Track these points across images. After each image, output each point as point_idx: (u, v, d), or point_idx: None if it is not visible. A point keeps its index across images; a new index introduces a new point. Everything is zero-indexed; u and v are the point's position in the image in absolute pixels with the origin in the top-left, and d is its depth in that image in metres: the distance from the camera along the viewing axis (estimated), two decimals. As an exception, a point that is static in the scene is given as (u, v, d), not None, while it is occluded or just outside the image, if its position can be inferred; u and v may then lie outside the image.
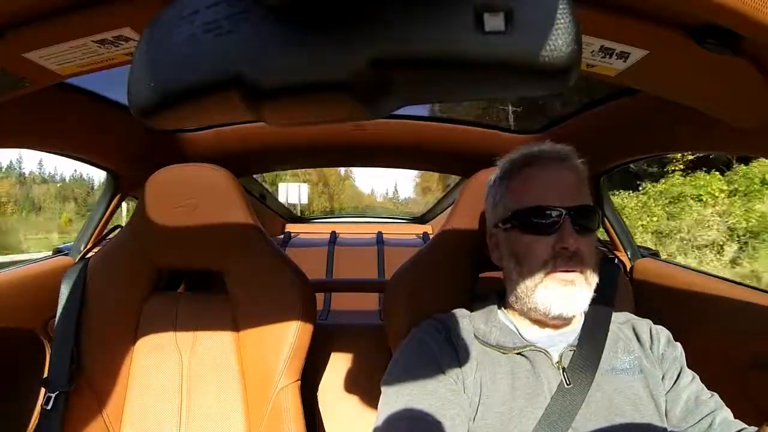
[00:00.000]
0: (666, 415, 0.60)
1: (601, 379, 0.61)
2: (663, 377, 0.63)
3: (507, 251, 0.65)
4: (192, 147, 1.27)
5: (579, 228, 0.60)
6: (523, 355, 0.62)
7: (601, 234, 1.21)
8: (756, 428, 0.56)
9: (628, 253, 1.17)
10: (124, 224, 1.10)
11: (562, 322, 0.64)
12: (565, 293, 0.59)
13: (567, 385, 0.59)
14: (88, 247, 1.10)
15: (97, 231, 1.14)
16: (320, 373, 1.04)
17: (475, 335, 0.65)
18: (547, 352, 0.62)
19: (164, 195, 0.87)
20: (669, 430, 0.60)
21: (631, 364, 0.63)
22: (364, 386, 1.02)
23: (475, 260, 0.80)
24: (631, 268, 1.13)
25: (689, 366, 0.65)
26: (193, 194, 0.86)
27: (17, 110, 0.74)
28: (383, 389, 0.63)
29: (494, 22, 0.22)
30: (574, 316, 0.63)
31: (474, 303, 0.72)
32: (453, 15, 0.22)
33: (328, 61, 0.23)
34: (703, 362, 0.65)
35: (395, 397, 0.60)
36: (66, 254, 1.11)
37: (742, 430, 0.56)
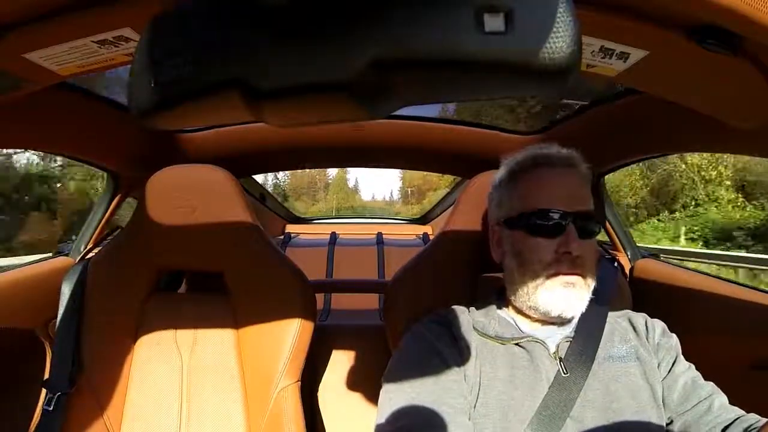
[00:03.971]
0: (663, 402, 0.61)
1: (597, 367, 0.62)
2: (659, 365, 0.64)
3: (510, 250, 0.66)
4: (192, 147, 1.27)
5: (582, 232, 0.61)
6: (520, 346, 0.63)
7: (601, 235, 1.21)
8: (755, 414, 0.57)
9: (628, 253, 1.17)
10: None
11: (560, 321, 0.64)
12: (566, 295, 0.60)
13: (564, 374, 0.60)
14: (89, 247, 1.10)
15: (97, 232, 1.13)
16: (320, 374, 1.04)
17: (474, 327, 0.66)
18: (544, 342, 0.63)
19: (164, 195, 0.87)
20: (667, 416, 0.61)
21: (628, 352, 0.64)
22: (365, 386, 1.02)
23: (475, 261, 0.80)
24: (631, 269, 1.13)
25: None
26: (193, 195, 0.86)
27: (17, 110, 0.73)
28: (384, 385, 0.64)
29: (494, 22, 0.22)
30: (573, 317, 0.64)
31: (474, 302, 0.73)
32: (453, 15, 0.22)
33: (328, 62, 0.23)
34: (703, 362, 0.65)
35: (396, 390, 0.61)
36: (66, 255, 1.11)
37: (741, 416, 0.57)
